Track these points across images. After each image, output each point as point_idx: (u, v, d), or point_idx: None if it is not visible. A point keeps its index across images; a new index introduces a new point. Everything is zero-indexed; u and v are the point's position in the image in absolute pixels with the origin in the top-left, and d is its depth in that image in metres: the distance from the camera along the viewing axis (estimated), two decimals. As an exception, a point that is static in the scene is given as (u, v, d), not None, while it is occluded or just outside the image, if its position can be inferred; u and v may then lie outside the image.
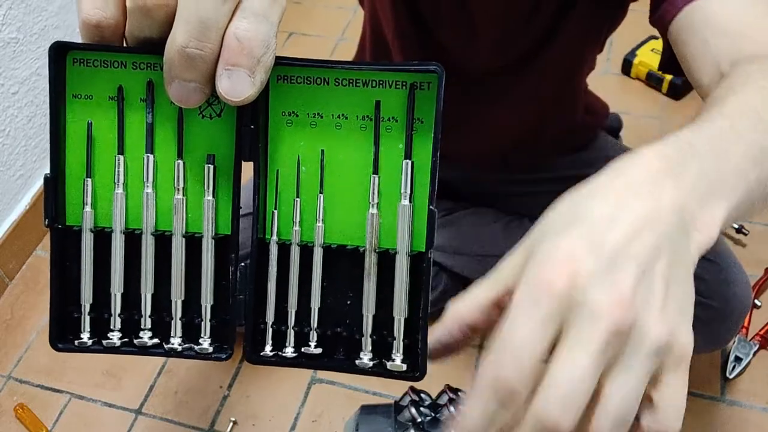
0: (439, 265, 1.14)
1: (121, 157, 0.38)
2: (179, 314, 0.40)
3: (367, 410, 0.98)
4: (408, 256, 0.38)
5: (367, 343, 0.40)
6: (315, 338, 0.40)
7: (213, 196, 0.39)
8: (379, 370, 0.40)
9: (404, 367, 0.39)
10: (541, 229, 0.34)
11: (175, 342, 0.41)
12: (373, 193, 0.38)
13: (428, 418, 0.95)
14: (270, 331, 0.41)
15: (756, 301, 1.17)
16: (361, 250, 0.39)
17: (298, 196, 0.39)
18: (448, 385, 1.00)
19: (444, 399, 0.98)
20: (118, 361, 1.19)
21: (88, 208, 0.39)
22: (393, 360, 0.40)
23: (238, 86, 0.33)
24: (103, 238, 0.40)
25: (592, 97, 1.11)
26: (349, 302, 0.40)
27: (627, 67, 1.59)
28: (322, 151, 0.38)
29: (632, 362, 0.30)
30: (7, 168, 1.30)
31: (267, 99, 0.38)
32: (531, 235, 0.35)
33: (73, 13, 1.39)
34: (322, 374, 1.15)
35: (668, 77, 1.50)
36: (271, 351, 0.41)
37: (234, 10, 0.32)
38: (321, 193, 0.39)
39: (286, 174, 0.39)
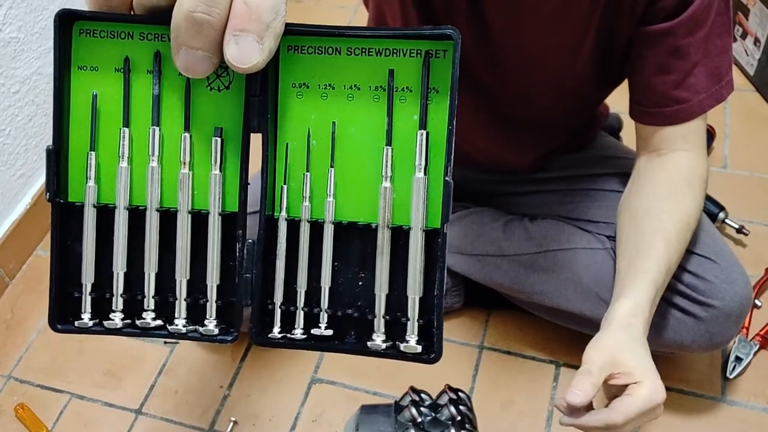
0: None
1: (126, 130, 0.37)
2: (184, 294, 0.39)
3: (367, 410, 0.98)
4: (423, 231, 0.36)
5: (380, 324, 0.38)
6: (325, 319, 0.39)
7: (220, 171, 0.37)
8: (392, 352, 0.38)
9: (419, 348, 0.37)
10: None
11: (179, 323, 0.39)
12: (387, 165, 0.36)
13: (428, 418, 0.95)
14: (278, 311, 0.39)
15: (756, 301, 1.17)
16: (374, 226, 0.37)
17: (308, 171, 0.37)
18: (448, 385, 1.00)
19: (444, 399, 0.98)
20: (119, 361, 1.19)
21: (91, 183, 0.38)
22: (407, 341, 0.38)
23: (246, 52, 0.32)
24: (106, 215, 0.38)
25: None
26: (361, 282, 0.38)
27: (627, 67, 1.59)
28: (334, 123, 0.36)
29: None
30: (8, 167, 1.30)
31: (277, 69, 0.37)
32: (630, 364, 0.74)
33: (74, 13, 1.39)
34: (322, 374, 1.15)
35: (669, 77, 1.50)
36: (279, 333, 0.39)
37: None
38: (332, 167, 0.37)
39: (295, 147, 0.37)
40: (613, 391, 0.76)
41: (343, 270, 0.38)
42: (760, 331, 1.12)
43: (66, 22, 0.36)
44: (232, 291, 0.39)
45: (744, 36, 1.53)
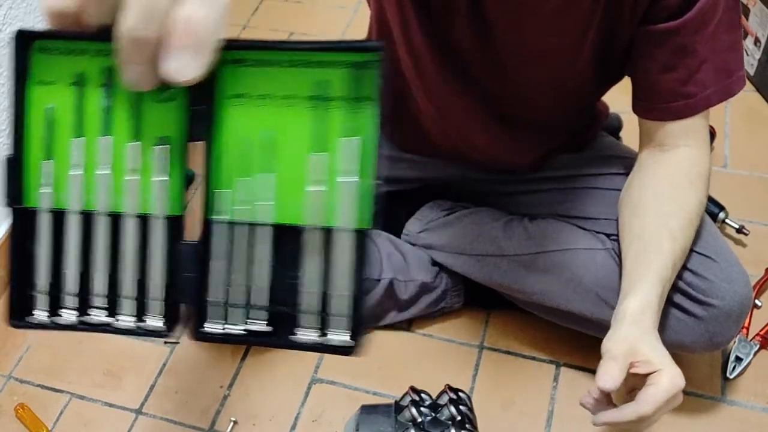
0: (439, 265, 1.14)
1: (79, 141, 0.40)
2: (130, 293, 0.42)
3: (367, 410, 0.99)
4: (352, 232, 0.39)
5: (307, 319, 0.40)
6: (262, 316, 0.41)
7: (166, 177, 0.40)
8: (319, 346, 0.40)
9: (343, 342, 0.40)
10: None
11: (124, 320, 0.42)
12: (317, 171, 0.38)
13: (428, 418, 0.95)
14: (216, 308, 0.41)
15: (756, 301, 1.17)
16: (306, 228, 0.39)
17: (246, 176, 0.39)
18: (448, 385, 1.00)
19: (444, 399, 0.98)
20: (119, 361, 1.19)
21: (45, 189, 0.40)
22: (330, 335, 0.40)
23: (183, 67, 0.33)
24: (62, 219, 0.41)
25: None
26: (294, 280, 0.40)
27: (627, 67, 1.59)
28: (270, 132, 0.39)
29: None
30: (8, 168, 1.30)
31: (215, 81, 0.38)
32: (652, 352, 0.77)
33: (74, 13, 1.39)
34: (322, 374, 1.15)
35: (669, 77, 1.50)
36: (217, 328, 0.41)
37: None
38: (268, 173, 0.39)
39: (234, 155, 0.39)
40: (631, 384, 0.78)
41: (278, 268, 0.40)
42: (760, 331, 1.12)
43: (25, 40, 0.39)
44: (176, 289, 0.42)
45: (744, 36, 1.53)
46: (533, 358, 1.14)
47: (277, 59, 0.38)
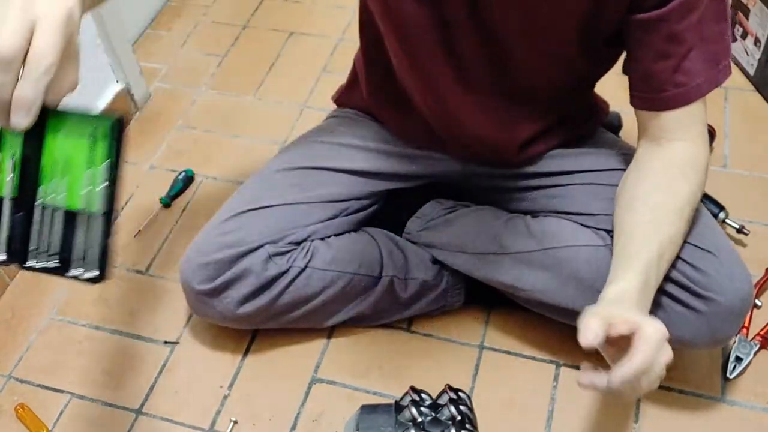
0: (440, 263, 1.15)
1: None
2: None
3: (367, 410, 0.99)
4: (102, 215, 0.62)
5: (77, 262, 0.64)
6: (53, 259, 0.64)
7: (11, 176, 0.63)
8: (82, 278, 0.64)
9: (94, 275, 0.64)
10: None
11: None
12: (87, 180, 0.62)
13: (428, 417, 0.95)
14: (32, 253, 0.64)
15: (757, 301, 1.17)
16: (79, 211, 0.63)
17: (53, 180, 0.63)
18: (448, 385, 1.00)
19: (444, 399, 0.98)
20: (119, 361, 1.19)
21: None
22: (88, 272, 0.64)
23: (17, 122, 0.57)
24: None
25: (594, 95, 1.12)
26: (71, 239, 0.64)
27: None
28: (68, 155, 0.62)
29: None
30: (8, 168, 1.30)
31: (43, 123, 0.60)
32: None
33: (74, 13, 1.39)
34: (322, 374, 1.15)
35: (669, 77, 1.50)
36: (32, 263, 0.65)
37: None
38: (63, 179, 0.62)
39: (48, 167, 0.63)
40: (610, 353, 0.78)
41: (65, 233, 0.64)
42: (761, 331, 1.12)
43: None
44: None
45: (744, 36, 1.53)
46: (533, 358, 1.15)
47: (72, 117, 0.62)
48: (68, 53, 0.57)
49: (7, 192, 0.63)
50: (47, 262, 0.64)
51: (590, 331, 0.73)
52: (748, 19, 1.50)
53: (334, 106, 1.27)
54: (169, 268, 1.31)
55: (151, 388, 1.16)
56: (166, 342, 1.21)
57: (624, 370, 0.73)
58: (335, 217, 1.11)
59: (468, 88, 0.98)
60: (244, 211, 1.08)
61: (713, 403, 1.07)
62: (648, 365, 0.73)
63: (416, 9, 0.89)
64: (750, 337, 1.12)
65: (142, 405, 1.14)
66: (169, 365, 1.18)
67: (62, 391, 1.16)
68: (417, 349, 1.17)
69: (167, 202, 1.41)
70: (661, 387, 1.09)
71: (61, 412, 1.13)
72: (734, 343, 1.10)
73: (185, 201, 1.43)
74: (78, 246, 0.63)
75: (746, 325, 1.13)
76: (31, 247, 0.64)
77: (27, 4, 0.54)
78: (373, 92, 1.14)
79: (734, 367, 1.09)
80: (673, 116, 0.89)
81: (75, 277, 0.64)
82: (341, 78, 1.25)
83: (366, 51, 1.10)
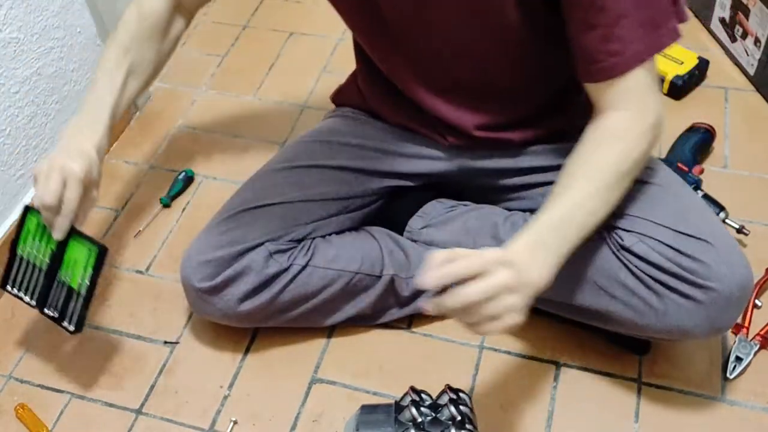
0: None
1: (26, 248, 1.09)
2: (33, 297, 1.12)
3: (367, 410, 0.99)
4: (84, 292, 1.06)
5: (69, 318, 1.08)
6: (57, 311, 1.09)
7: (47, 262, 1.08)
8: (66, 328, 1.08)
9: (69, 328, 1.08)
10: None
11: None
12: (82, 271, 1.06)
13: (429, 418, 0.95)
14: (49, 305, 1.10)
15: (757, 301, 1.17)
16: (75, 290, 1.06)
17: (67, 270, 1.07)
18: (448, 385, 1.00)
19: (444, 399, 0.98)
20: (119, 361, 1.19)
21: (20, 249, 1.10)
22: (67, 324, 1.08)
23: (55, 236, 1.02)
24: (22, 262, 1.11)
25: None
26: (69, 304, 1.07)
27: (627, 67, 1.59)
28: (79, 256, 1.05)
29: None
30: (8, 168, 1.30)
31: (68, 238, 1.05)
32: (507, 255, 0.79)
33: (74, 13, 1.39)
34: (322, 374, 1.15)
35: (669, 77, 1.50)
36: (48, 312, 1.10)
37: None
38: (75, 270, 1.05)
39: (66, 262, 1.06)
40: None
41: (67, 300, 1.08)
42: (761, 331, 1.12)
43: (25, 209, 1.08)
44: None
45: (744, 36, 1.53)
46: (533, 358, 1.14)
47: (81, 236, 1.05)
48: (89, 184, 1.00)
49: (43, 268, 1.07)
50: (53, 312, 1.08)
51: (433, 261, 0.76)
52: (748, 20, 1.50)
53: (333, 106, 1.27)
54: (169, 268, 1.31)
55: (151, 388, 1.15)
56: (166, 342, 1.21)
57: (459, 289, 0.75)
58: (336, 214, 1.11)
59: (417, 71, 1.03)
60: (244, 210, 1.08)
61: (713, 403, 1.07)
62: (484, 287, 0.74)
63: None
64: (750, 337, 1.12)
65: (142, 405, 1.14)
66: (169, 365, 1.18)
67: (62, 391, 1.16)
68: (417, 349, 1.17)
69: (167, 202, 1.41)
70: (661, 387, 1.09)
71: (61, 412, 1.13)
72: (734, 343, 1.10)
73: (185, 201, 1.43)
74: (70, 308, 1.07)
75: (746, 325, 1.13)
76: (48, 301, 1.09)
77: (63, 165, 0.96)
78: (366, 81, 1.16)
79: (734, 367, 1.09)
80: (615, 86, 0.87)
81: (64, 327, 1.07)
82: (341, 78, 1.25)
83: (354, 42, 1.14)
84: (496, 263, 0.76)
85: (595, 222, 0.87)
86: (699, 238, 0.93)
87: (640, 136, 0.88)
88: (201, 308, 1.10)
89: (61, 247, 1.04)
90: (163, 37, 1.13)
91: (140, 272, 1.31)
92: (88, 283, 1.03)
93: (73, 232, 1.03)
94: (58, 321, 1.07)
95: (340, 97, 1.25)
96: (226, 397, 1.13)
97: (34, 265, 1.08)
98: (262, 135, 1.54)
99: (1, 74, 1.24)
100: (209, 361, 1.18)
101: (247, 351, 1.18)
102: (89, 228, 1.40)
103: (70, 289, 1.05)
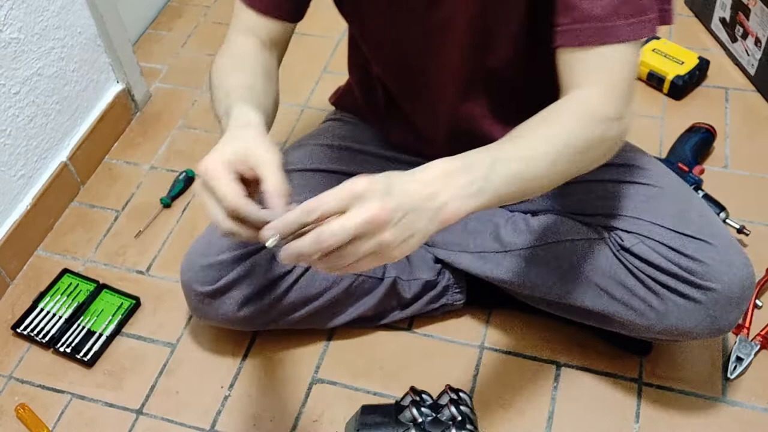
0: (441, 261, 1.15)
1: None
2: None
3: (368, 410, 0.98)
4: None
5: None
6: None
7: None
8: None
9: None
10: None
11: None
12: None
13: (429, 418, 0.95)
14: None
15: (757, 302, 1.17)
16: None
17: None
18: (448, 385, 1.00)
19: (445, 399, 0.98)
20: (119, 361, 1.19)
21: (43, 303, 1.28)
22: None
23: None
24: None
25: None
26: None
27: (628, 67, 1.59)
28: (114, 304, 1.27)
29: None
30: (9, 168, 1.30)
31: (95, 292, 1.29)
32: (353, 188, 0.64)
33: (74, 14, 1.39)
34: (323, 374, 1.15)
35: (669, 77, 1.50)
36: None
37: None
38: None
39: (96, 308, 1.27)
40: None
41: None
42: (761, 331, 1.12)
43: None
44: None
45: (744, 36, 1.53)
46: (534, 359, 1.14)
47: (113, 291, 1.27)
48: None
49: (67, 314, 1.24)
50: (66, 349, 1.19)
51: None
52: (748, 20, 1.50)
53: (333, 107, 1.27)
54: (169, 269, 1.31)
55: (152, 388, 1.15)
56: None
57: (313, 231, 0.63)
58: None
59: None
60: None
61: (714, 403, 1.07)
62: (338, 228, 0.62)
63: None
64: (751, 337, 1.12)
65: (143, 405, 1.14)
66: (169, 365, 1.18)
67: (63, 392, 1.16)
68: (417, 350, 1.17)
69: (168, 203, 1.41)
70: (661, 387, 1.09)
71: (62, 412, 1.13)
72: (735, 343, 1.10)
73: (186, 201, 1.43)
74: (86, 347, 1.20)
75: (747, 325, 1.13)
76: (66, 338, 1.21)
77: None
78: (365, 99, 1.14)
79: (735, 368, 1.09)
80: (587, 57, 0.80)
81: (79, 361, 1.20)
82: (341, 78, 1.25)
83: (353, 58, 1.12)
84: (353, 197, 0.63)
85: (528, 188, 0.74)
86: (699, 239, 0.93)
87: (603, 119, 0.79)
88: (202, 312, 1.09)
89: (90, 297, 1.26)
90: (268, 74, 0.96)
91: (141, 272, 1.31)
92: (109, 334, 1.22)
93: (104, 287, 1.27)
94: (71, 355, 1.19)
95: (339, 101, 1.25)
96: (226, 398, 1.13)
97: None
98: (263, 135, 1.54)
99: (1, 75, 1.24)
100: (210, 361, 1.18)
101: (247, 351, 1.18)
102: (89, 227, 1.40)
103: (90, 331, 1.22)
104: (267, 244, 0.64)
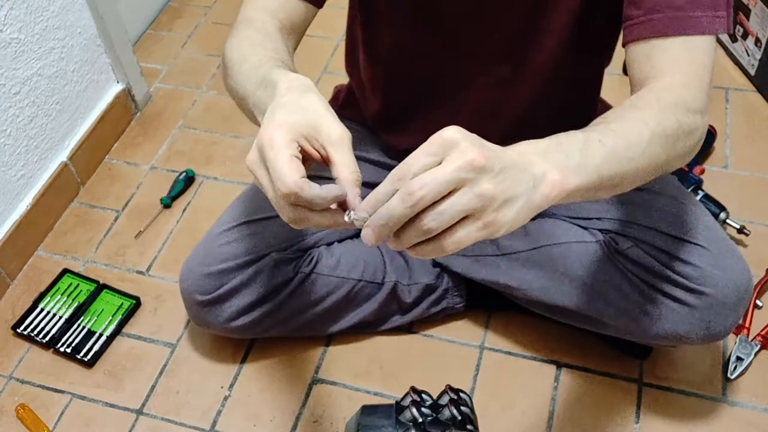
0: (440, 266, 1.15)
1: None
2: None
3: (368, 411, 0.98)
4: None
5: None
6: None
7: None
8: None
9: None
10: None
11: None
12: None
13: (429, 418, 0.95)
14: None
15: (757, 302, 1.17)
16: None
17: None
18: (449, 385, 1.00)
19: (445, 399, 0.98)
20: (120, 362, 1.19)
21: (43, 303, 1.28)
22: None
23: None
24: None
25: (603, 103, 1.11)
26: None
27: (628, 67, 1.59)
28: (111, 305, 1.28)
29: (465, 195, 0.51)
30: (9, 168, 1.30)
31: (95, 292, 1.30)
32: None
33: (74, 14, 1.39)
34: (323, 374, 1.15)
35: (669, 77, 1.50)
36: None
37: None
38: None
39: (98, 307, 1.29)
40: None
41: None
42: (761, 331, 1.12)
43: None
44: None
45: (745, 36, 1.53)
46: (534, 359, 1.14)
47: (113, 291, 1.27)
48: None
49: (68, 314, 1.23)
50: (66, 349, 1.19)
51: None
52: (748, 20, 1.50)
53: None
54: (169, 269, 1.31)
55: (152, 388, 1.15)
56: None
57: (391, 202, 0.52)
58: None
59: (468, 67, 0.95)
60: (247, 221, 1.06)
61: (714, 403, 1.07)
62: (431, 177, 0.50)
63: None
64: (751, 337, 1.12)
65: (143, 405, 1.14)
66: (169, 366, 1.18)
67: (63, 392, 1.16)
68: (418, 350, 1.17)
69: (168, 203, 1.41)
70: (662, 387, 1.09)
71: (62, 413, 1.13)
72: (735, 343, 1.10)
73: (186, 201, 1.43)
74: (87, 347, 1.20)
75: (747, 325, 1.13)
76: (66, 338, 1.21)
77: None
78: (374, 117, 1.11)
79: (735, 368, 1.09)
80: (665, 49, 0.76)
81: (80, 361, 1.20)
82: (342, 78, 1.25)
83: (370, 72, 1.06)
84: (445, 146, 0.52)
85: (626, 172, 0.64)
86: (694, 243, 0.92)
87: (690, 109, 0.73)
88: (202, 320, 1.09)
89: (91, 297, 1.26)
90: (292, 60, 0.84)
91: (141, 272, 1.31)
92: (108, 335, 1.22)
93: (104, 288, 1.27)
94: (71, 355, 1.19)
95: (341, 112, 1.22)
96: (226, 398, 1.13)
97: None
98: (263, 135, 1.54)
99: (1, 75, 1.24)
100: (210, 361, 1.18)
101: (247, 352, 1.18)
102: (89, 227, 1.40)
103: (90, 331, 1.22)
104: (356, 224, 0.56)
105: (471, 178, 0.51)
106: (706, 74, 0.77)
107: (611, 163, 0.62)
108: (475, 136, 0.53)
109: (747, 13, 1.50)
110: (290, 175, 0.55)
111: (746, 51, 1.54)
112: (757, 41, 1.49)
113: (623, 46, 0.81)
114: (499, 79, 0.95)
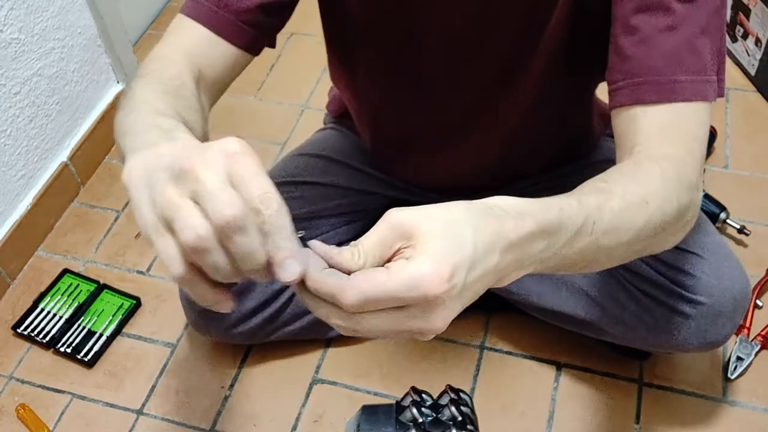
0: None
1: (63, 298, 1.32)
2: None
3: (368, 411, 0.98)
4: None
5: None
6: None
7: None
8: None
9: None
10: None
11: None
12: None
13: (429, 418, 0.95)
14: None
15: (758, 302, 1.17)
16: None
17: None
18: (449, 385, 1.00)
19: (445, 399, 0.97)
20: (120, 362, 1.19)
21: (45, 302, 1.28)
22: None
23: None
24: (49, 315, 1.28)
25: (599, 104, 1.11)
26: None
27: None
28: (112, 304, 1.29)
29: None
30: (9, 168, 1.30)
31: (96, 292, 1.31)
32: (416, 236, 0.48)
33: (74, 14, 1.39)
34: (323, 374, 1.15)
35: (669, 77, 1.50)
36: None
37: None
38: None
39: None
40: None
41: None
42: (761, 331, 1.12)
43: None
44: None
45: (745, 36, 1.53)
46: (534, 359, 1.14)
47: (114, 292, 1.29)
48: None
49: (68, 314, 1.24)
50: (67, 349, 1.19)
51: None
52: (748, 20, 1.50)
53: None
54: (169, 269, 1.31)
55: (152, 388, 1.15)
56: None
57: (324, 283, 0.48)
58: (341, 226, 1.10)
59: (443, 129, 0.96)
60: None
61: (714, 403, 1.07)
62: (355, 307, 0.45)
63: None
64: (751, 337, 1.12)
65: (143, 405, 1.14)
66: (170, 366, 1.18)
67: (63, 392, 1.16)
68: (418, 350, 1.17)
69: (168, 203, 1.41)
70: (662, 388, 1.09)
71: (63, 413, 1.13)
72: (735, 343, 1.10)
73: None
74: (87, 347, 1.20)
75: (747, 325, 1.13)
76: (66, 338, 1.21)
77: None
78: (373, 143, 1.09)
79: (735, 368, 1.09)
80: (651, 117, 0.69)
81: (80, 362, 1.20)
82: (342, 78, 1.25)
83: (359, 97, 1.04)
84: (429, 280, 0.46)
85: (594, 259, 0.61)
86: (689, 251, 0.91)
87: (688, 186, 0.66)
88: (202, 327, 1.09)
89: (92, 297, 1.26)
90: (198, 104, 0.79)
91: (141, 272, 1.31)
92: (109, 336, 1.22)
93: (105, 288, 1.28)
94: (71, 355, 1.19)
95: (337, 112, 1.22)
96: (226, 398, 1.13)
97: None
98: (263, 135, 1.54)
99: (1, 75, 1.24)
100: (210, 361, 1.18)
101: (247, 352, 1.18)
102: (90, 228, 1.40)
103: (90, 331, 1.22)
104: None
105: (417, 310, 0.46)
106: (697, 145, 0.69)
107: (587, 253, 0.59)
108: (457, 278, 0.48)
109: (747, 13, 1.50)
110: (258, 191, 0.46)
111: (746, 51, 1.54)
112: (757, 41, 1.49)
113: (609, 110, 0.75)
114: (483, 127, 0.95)
